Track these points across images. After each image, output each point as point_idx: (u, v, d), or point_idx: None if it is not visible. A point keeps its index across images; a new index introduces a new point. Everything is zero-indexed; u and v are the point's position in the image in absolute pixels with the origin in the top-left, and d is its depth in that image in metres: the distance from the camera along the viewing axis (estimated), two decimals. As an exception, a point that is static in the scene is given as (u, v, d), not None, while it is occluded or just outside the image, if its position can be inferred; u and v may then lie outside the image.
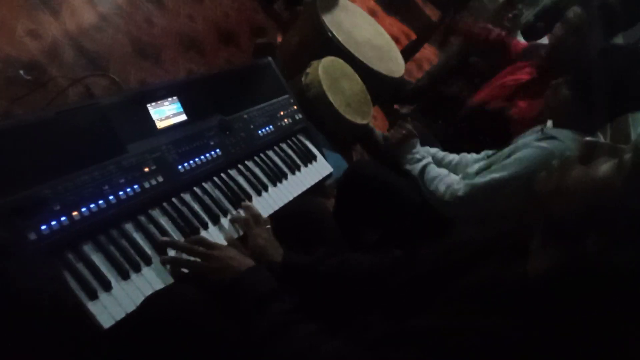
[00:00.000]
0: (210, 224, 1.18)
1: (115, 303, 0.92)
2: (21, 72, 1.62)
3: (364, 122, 2.00)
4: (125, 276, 0.97)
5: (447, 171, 1.61)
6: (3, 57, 1.54)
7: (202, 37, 2.26)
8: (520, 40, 2.90)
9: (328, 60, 2.01)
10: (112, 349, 0.90)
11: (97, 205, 0.99)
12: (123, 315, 0.92)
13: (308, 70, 1.97)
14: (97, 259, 0.96)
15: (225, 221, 1.22)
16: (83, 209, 0.96)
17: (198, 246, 1.04)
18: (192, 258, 1.04)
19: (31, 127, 0.95)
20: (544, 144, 1.39)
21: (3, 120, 0.89)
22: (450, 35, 2.85)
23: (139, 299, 0.95)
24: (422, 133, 2.19)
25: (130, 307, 0.93)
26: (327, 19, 2.29)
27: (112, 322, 0.90)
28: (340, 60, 2.09)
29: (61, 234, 0.91)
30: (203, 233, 1.15)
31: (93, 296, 0.90)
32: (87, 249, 0.96)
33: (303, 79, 1.94)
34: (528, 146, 1.41)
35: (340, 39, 2.22)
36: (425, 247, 1.15)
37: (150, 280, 0.99)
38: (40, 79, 1.57)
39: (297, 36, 2.44)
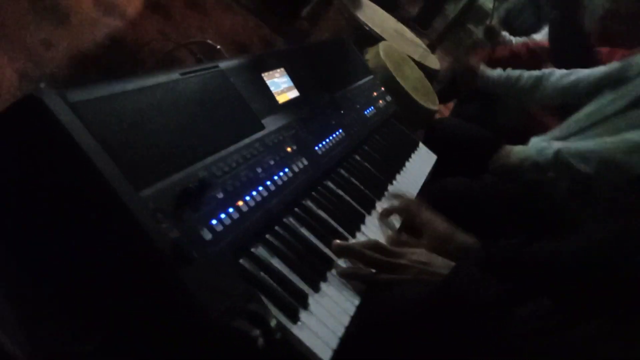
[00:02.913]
0: (367, 217, 0.90)
1: (321, 325, 0.62)
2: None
3: (435, 107, 1.78)
4: (315, 287, 0.67)
5: None
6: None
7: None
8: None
9: (386, 45, 1.79)
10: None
11: (258, 191, 0.69)
12: (337, 341, 0.62)
13: (366, 56, 1.74)
14: (279, 266, 0.66)
15: (374, 214, 0.94)
16: (246, 197, 0.67)
17: (376, 253, 0.76)
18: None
19: (158, 90, 0.66)
20: None
21: (126, 81, 0.60)
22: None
23: (344, 318, 0.66)
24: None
25: (339, 330, 0.64)
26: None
27: (330, 354, 0.60)
28: (395, 47, 1.88)
29: (234, 232, 0.61)
30: (363, 229, 0.87)
31: (294, 318, 0.60)
32: (261, 252, 0.66)
33: (364, 65, 1.71)
34: None
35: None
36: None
37: (341, 291, 0.70)
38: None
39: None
